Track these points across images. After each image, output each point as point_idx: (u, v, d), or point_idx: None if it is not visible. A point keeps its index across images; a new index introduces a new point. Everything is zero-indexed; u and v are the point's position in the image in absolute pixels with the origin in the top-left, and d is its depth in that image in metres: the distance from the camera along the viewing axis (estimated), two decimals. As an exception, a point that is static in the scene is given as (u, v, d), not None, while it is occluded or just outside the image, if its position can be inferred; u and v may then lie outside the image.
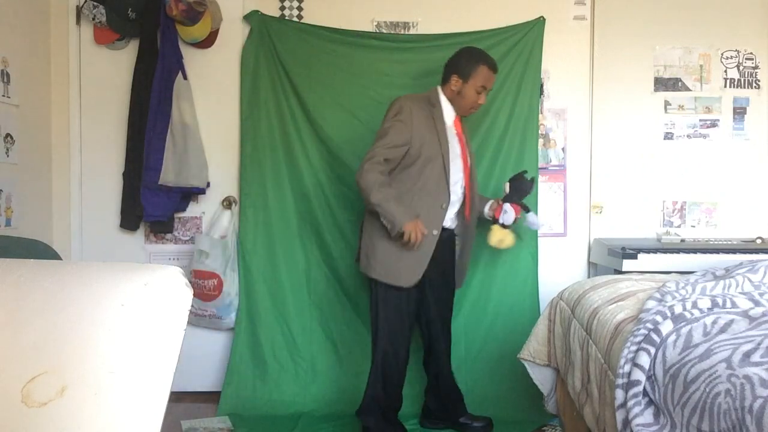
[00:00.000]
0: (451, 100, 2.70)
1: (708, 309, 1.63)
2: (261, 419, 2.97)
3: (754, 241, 3.13)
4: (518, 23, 3.19)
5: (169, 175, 3.04)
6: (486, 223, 2.87)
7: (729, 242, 3.13)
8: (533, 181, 2.83)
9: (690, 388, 1.33)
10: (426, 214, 2.57)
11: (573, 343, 2.14)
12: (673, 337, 1.51)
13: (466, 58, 2.68)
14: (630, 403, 1.49)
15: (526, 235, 3.16)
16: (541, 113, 3.26)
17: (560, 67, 3.26)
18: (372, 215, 2.59)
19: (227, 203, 3.23)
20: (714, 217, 3.33)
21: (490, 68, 2.67)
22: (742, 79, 3.31)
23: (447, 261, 2.77)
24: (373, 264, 2.61)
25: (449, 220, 2.69)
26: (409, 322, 2.69)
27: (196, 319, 3.12)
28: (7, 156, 2.81)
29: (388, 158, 2.52)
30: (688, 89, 3.31)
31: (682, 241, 3.14)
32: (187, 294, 1.02)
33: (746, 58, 3.31)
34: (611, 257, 2.98)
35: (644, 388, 1.50)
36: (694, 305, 1.64)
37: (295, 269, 3.18)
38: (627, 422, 1.50)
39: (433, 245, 2.60)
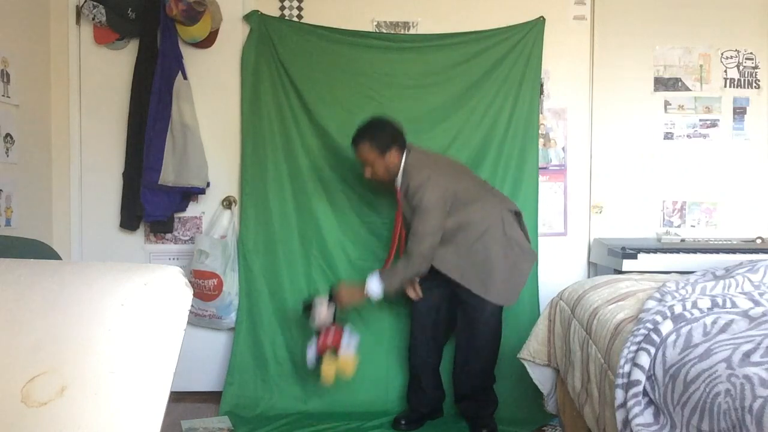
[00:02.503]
0: None
1: (708, 309, 1.63)
2: (261, 419, 2.97)
3: (754, 241, 3.13)
4: (518, 23, 3.19)
5: (169, 175, 3.03)
6: None
7: (729, 242, 3.13)
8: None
9: (690, 388, 1.33)
10: None
11: (573, 343, 2.14)
12: (673, 337, 1.51)
13: None
14: (630, 403, 1.50)
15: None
16: (541, 113, 3.26)
17: (560, 67, 3.26)
18: None
19: (227, 203, 3.23)
20: (714, 217, 3.33)
21: None
22: (742, 79, 3.31)
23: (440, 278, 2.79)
24: None
25: None
26: (427, 323, 2.89)
27: (196, 319, 3.12)
28: (7, 156, 2.81)
29: None
30: (688, 89, 3.31)
31: (682, 241, 3.14)
32: (187, 294, 1.02)
33: (746, 58, 3.31)
34: (611, 257, 2.98)
35: (644, 388, 1.50)
36: (694, 305, 1.64)
37: (296, 269, 3.18)
38: (627, 422, 1.50)
39: None
